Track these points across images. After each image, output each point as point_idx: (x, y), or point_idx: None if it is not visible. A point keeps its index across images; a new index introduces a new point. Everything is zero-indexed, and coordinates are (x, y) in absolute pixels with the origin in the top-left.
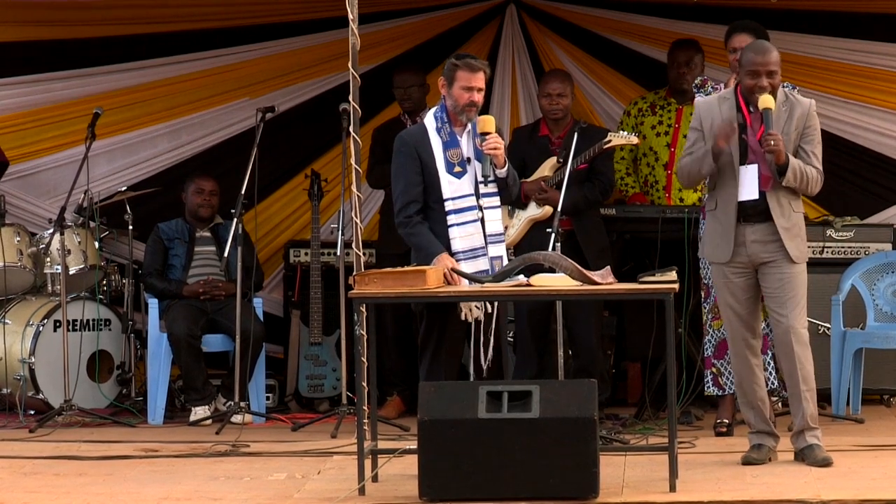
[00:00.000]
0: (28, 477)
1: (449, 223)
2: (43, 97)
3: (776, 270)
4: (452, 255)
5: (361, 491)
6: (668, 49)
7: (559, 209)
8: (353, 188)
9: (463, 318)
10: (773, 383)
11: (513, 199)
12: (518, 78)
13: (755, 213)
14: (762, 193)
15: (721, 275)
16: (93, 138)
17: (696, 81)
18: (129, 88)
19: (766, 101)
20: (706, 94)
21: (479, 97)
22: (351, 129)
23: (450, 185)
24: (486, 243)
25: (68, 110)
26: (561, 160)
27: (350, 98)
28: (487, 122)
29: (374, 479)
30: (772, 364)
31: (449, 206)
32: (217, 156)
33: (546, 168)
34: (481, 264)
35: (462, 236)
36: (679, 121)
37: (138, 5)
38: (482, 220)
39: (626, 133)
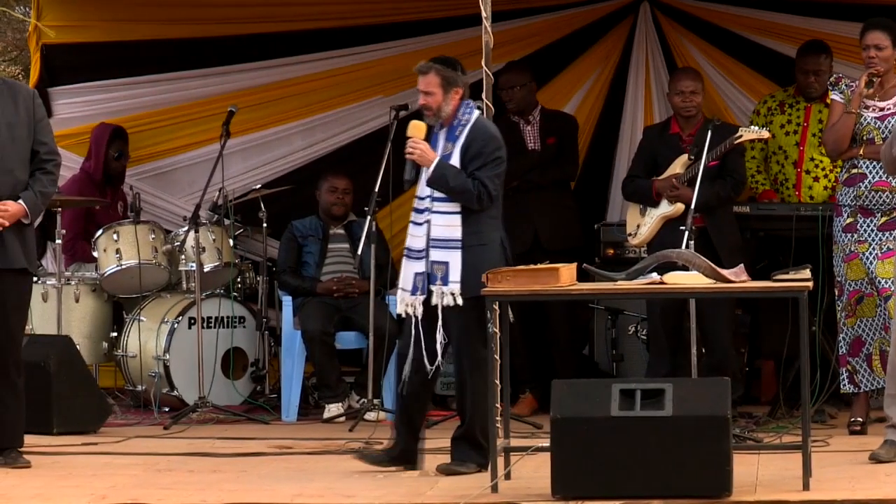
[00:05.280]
0: (162, 473)
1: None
2: (178, 95)
3: None
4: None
5: (494, 488)
6: (797, 52)
7: (692, 206)
8: None
9: (402, 311)
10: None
11: (473, 206)
12: (652, 76)
13: None
14: None
15: None
16: (228, 136)
17: (830, 79)
18: (264, 86)
19: None
20: (840, 92)
21: (426, 99)
22: None
23: (420, 186)
24: (427, 247)
25: (203, 108)
26: (692, 157)
27: (483, 96)
28: (411, 127)
29: (507, 476)
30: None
31: (414, 204)
32: (351, 153)
33: (677, 165)
34: (419, 266)
35: (412, 235)
36: (808, 119)
37: (273, 4)
38: (429, 224)
39: (756, 128)
